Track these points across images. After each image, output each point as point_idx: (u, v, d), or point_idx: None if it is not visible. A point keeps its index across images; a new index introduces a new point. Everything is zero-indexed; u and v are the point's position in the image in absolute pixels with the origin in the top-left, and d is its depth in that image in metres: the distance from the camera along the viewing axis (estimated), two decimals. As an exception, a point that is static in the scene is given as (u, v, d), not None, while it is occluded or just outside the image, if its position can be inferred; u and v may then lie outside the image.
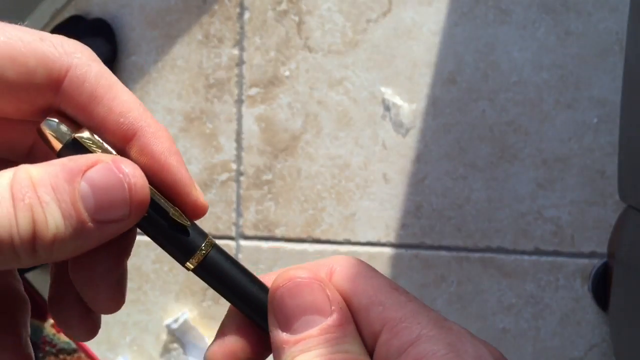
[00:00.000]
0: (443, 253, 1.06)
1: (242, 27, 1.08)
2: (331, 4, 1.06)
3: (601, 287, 1.01)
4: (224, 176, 1.09)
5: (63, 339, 1.09)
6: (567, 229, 1.03)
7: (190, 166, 1.09)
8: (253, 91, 1.08)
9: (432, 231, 1.06)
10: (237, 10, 1.08)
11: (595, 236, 1.03)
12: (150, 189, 0.24)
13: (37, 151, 0.26)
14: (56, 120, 0.23)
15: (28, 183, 0.21)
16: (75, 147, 0.23)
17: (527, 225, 1.04)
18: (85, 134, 0.24)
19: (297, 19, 1.07)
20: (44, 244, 0.21)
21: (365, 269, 0.26)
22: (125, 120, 0.24)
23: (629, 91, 0.78)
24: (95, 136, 0.24)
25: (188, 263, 0.25)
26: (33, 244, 0.21)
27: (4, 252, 0.21)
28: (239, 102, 1.09)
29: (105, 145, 0.24)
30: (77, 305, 0.25)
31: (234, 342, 0.26)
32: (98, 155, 0.23)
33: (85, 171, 0.22)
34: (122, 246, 0.25)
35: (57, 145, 0.23)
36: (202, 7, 1.09)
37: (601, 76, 1.01)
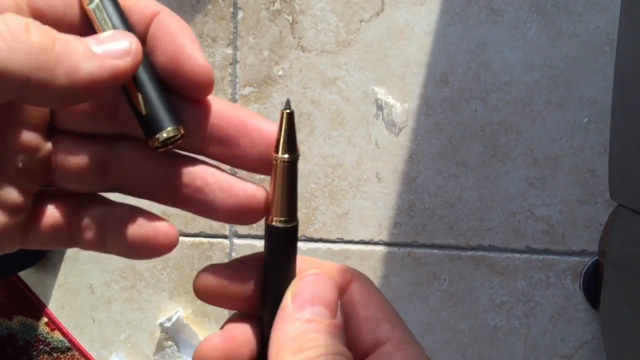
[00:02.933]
0: (435, 251, 1.06)
1: (235, 27, 1.09)
2: (324, 3, 1.06)
3: (592, 285, 1.02)
4: (218, 175, 1.09)
5: (57, 337, 1.09)
6: (558, 227, 1.04)
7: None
8: (246, 90, 1.09)
9: (425, 230, 1.06)
10: (231, 9, 1.09)
11: (585, 234, 1.04)
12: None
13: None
14: None
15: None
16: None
17: (519, 223, 1.05)
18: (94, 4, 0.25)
19: (290, 18, 1.07)
20: (44, 40, 0.22)
21: (379, 290, 0.30)
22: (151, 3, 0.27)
23: (619, 91, 0.79)
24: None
25: (283, 219, 0.27)
26: (29, 35, 0.22)
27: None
28: (233, 101, 1.09)
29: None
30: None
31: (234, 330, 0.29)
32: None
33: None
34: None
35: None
36: (195, 6, 1.09)
37: (592, 76, 1.02)
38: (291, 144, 0.26)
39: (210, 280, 0.28)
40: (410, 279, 1.07)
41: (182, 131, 0.26)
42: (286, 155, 0.26)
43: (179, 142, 0.26)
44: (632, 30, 0.73)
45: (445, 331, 1.08)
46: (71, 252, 1.12)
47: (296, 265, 0.28)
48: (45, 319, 1.10)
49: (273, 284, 0.28)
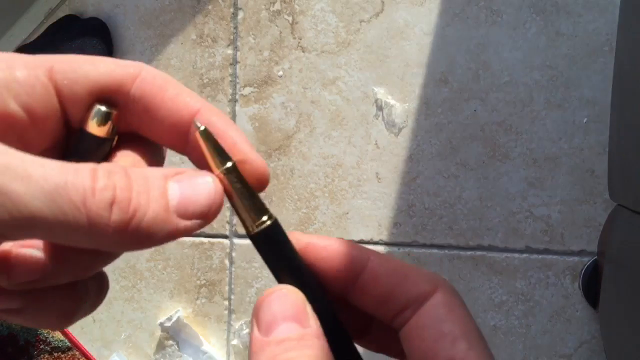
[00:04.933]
0: (435, 251, 1.07)
1: (235, 27, 1.09)
2: (324, 4, 1.06)
3: (591, 284, 1.02)
4: (218, 175, 1.09)
5: (57, 337, 1.09)
6: (557, 227, 1.04)
7: (185, 165, 1.09)
8: (247, 91, 1.09)
9: (424, 229, 1.06)
10: (231, 10, 1.09)
11: (585, 234, 1.04)
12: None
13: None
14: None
15: (120, 169, 0.22)
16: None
17: (518, 223, 1.05)
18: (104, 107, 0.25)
19: (290, 19, 1.07)
20: (123, 219, 0.22)
21: (463, 304, 0.28)
22: (191, 100, 0.26)
23: (618, 91, 0.79)
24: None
25: (257, 223, 0.27)
26: (109, 215, 0.21)
27: (72, 215, 0.21)
28: (233, 101, 1.09)
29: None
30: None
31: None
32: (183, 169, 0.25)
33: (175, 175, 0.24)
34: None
35: None
36: (196, 7, 1.09)
37: (591, 76, 1.02)
38: (221, 156, 0.26)
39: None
40: (410, 278, 1.07)
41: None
42: (222, 168, 0.26)
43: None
44: (632, 31, 0.73)
45: (445, 331, 1.08)
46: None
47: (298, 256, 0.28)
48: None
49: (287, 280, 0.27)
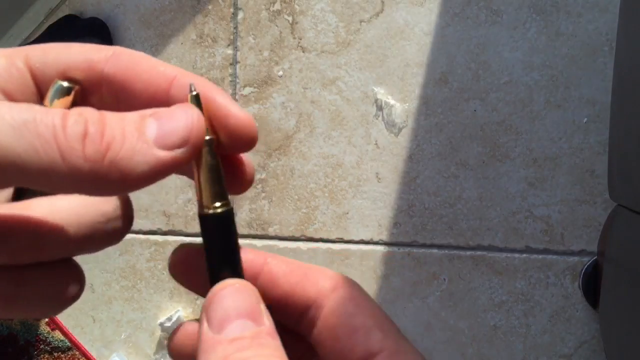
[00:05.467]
0: (435, 251, 1.07)
1: (235, 27, 1.09)
2: (324, 4, 1.06)
3: (591, 284, 1.02)
4: (218, 175, 1.09)
5: (57, 337, 1.09)
6: (557, 227, 1.04)
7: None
8: (247, 91, 1.09)
9: (424, 229, 1.06)
10: (231, 10, 1.09)
11: (585, 234, 1.04)
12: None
13: None
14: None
15: (93, 109, 0.22)
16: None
17: (518, 223, 1.05)
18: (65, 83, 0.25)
19: (290, 19, 1.07)
20: (97, 150, 0.21)
21: (368, 296, 0.27)
22: (166, 69, 0.26)
23: (618, 91, 0.79)
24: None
25: (216, 204, 0.26)
26: (82, 149, 0.21)
27: (49, 151, 0.20)
28: (233, 101, 1.09)
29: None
30: None
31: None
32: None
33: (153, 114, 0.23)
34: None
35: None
36: (196, 6, 1.09)
37: (591, 76, 1.02)
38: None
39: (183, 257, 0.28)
40: (410, 278, 1.08)
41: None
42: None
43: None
44: (631, 31, 0.73)
45: (445, 330, 1.08)
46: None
47: (240, 257, 0.27)
48: (45, 319, 1.10)
49: (215, 276, 0.26)
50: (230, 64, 1.09)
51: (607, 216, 1.01)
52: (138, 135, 0.22)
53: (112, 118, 0.22)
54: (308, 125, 1.08)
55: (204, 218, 0.26)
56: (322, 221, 1.08)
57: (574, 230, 1.04)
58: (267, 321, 0.24)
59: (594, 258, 1.03)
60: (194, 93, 0.25)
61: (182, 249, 0.28)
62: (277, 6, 1.08)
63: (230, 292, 0.25)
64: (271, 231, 1.09)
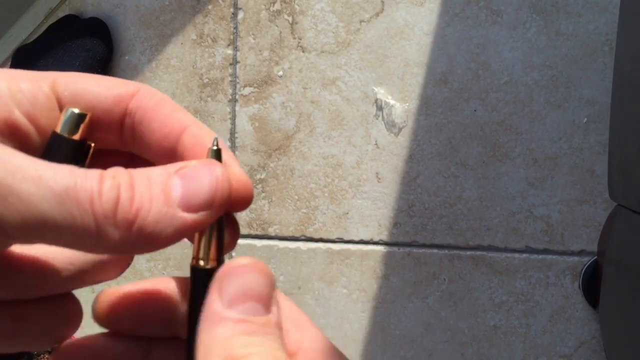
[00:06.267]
0: (435, 251, 1.07)
1: (235, 27, 1.09)
2: (324, 4, 1.06)
3: (591, 284, 1.02)
4: (218, 175, 1.09)
5: (57, 337, 1.09)
6: (557, 227, 1.04)
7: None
8: (247, 91, 1.09)
9: (424, 229, 1.06)
10: (231, 10, 1.09)
11: (585, 234, 1.04)
12: None
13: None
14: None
15: (124, 169, 0.23)
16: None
17: (518, 223, 1.05)
18: (77, 110, 0.26)
19: (290, 19, 1.07)
20: (126, 219, 0.22)
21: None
22: (184, 117, 0.27)
23: (618, 91, 0.79)
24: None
25: (212, 261, 0.26)
26: (114, 216, 0.21)
27: (85, 220, 0.21)
28: (233, 101, 1.09)
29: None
30: None
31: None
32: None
33: (178, 170, 0.24)
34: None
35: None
36: (196, 6, 1.09)
37: (591, 76, 1.02)
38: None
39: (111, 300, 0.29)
40: (409, 278, 1.08)
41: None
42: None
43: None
44: (631, 31, 0.73)
45: (445, 331, 1.08)
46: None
47: None
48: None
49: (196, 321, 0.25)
50: (230, 64, 1.09)
51: (607, 216, 1.01)
52: (164, 198, 0.23)
53: (141, 181, 0.23)
54: (308, 125, 1.08)
55: (200, 271, 0.26)
56: (322, 221, 1.08)
57: (574, 230, 1.04)
58: (276, 311, 0.24)
59: (594, 258, 1.03)
60: (215, 148, 0.25)
61: (104, 296, 0.30)
62: (277, 6, 1.08)
63: (250, 270, 0.24)
64: (271, 231, 1.09)
